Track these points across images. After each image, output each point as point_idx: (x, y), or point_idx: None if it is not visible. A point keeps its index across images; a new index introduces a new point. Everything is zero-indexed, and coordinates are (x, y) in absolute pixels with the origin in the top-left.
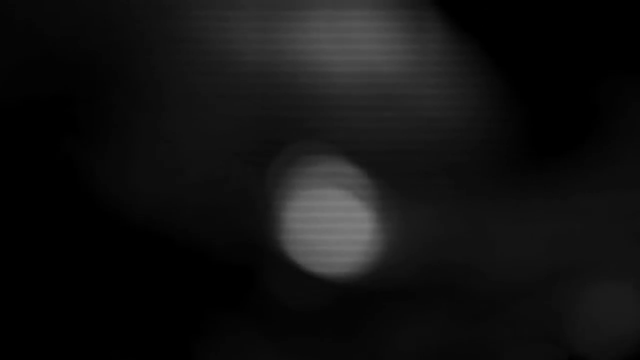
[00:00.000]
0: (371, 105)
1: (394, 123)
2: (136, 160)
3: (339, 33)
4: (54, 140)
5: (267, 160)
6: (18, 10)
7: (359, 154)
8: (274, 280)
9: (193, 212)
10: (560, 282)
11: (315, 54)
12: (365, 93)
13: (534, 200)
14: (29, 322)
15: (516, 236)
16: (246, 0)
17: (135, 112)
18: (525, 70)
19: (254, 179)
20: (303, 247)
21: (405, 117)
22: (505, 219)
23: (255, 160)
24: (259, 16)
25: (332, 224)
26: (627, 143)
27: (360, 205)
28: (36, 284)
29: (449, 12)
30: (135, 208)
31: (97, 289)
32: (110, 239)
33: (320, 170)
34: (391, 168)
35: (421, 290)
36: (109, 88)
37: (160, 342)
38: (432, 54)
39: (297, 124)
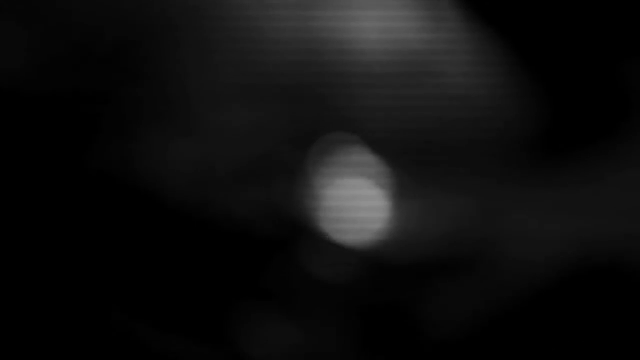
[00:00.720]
0: (399, 84)
1: (419, 102)
2: (172, 146)
3: (367, 11)
4: (89, 134)
5: (302, 146)
6: (49, 5)
7: (385, 136)
8: (307, 254)
9: (227, 191)
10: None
11: (347, 34)
12: (393, 72)
13: (557, 187)
14: (69, 300)
15: (540, 220)
16: None
17: (170, 102)
18: (552, 57)
19: (290, 162)
20: (335, 224)
21: (432, 95)
22: (528, 203)
23: (292, 145)
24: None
25: (358, 202)
26: None
27: (384, 185)
28: (74, 264)
29: None
30: (171, 190)
31: (135, 267)
32: (149, 223)
33: (350, 154)
34: (415, 149)
35: (445, 267)
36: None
37: (195, 314)
38: (459, 32)
39: (330, 111)
